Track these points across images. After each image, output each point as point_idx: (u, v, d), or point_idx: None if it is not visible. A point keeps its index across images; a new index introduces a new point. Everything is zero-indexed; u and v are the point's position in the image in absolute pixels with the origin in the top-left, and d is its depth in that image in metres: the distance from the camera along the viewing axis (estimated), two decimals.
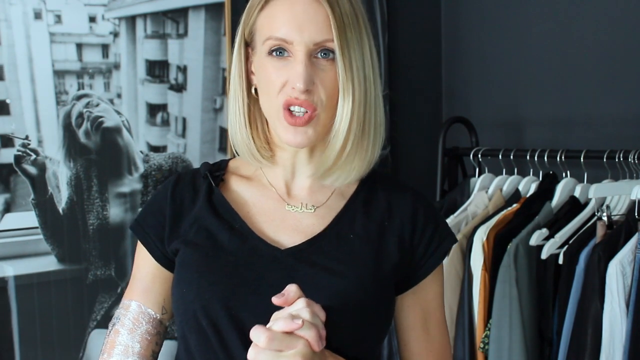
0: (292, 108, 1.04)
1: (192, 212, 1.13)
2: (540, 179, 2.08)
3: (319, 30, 1.03)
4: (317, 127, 1.06)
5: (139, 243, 1.17)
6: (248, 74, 1.12)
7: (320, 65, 1.04)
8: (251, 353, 0.94)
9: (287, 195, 1.14)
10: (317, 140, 1.08)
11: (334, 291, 1.04)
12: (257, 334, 0.93)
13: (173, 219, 1.13)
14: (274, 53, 1.05)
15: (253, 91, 1.11)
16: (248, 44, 1.11)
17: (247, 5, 1.11)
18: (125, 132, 2.04)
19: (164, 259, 1.14)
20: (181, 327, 1.10)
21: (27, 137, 1.89)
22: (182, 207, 1.14)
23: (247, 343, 1.03)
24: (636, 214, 1.77)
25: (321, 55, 1.04)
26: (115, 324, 1.14)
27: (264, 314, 1.03)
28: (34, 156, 1.90)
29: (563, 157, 2.00)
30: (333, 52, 1.04)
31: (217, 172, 1.17)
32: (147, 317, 1.13)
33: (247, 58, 1.12)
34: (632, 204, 1.79)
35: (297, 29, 1.03)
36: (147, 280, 1.15)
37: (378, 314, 1.08)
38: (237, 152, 1.14)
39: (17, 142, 1.89)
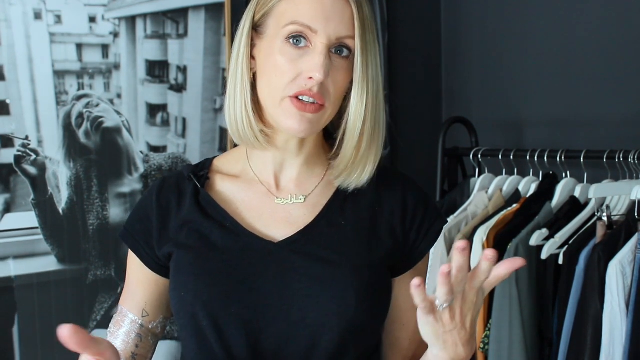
0: (301, 97, 1.04)
1: (179, 215, 1.13)
2: (540, 179, 2.08)
3: (344, 26, 1.04)
4: (321, 120, 1.06)
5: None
6: (249, 57, 1.11)
7: (334, 61, 1.05)
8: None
9: (276, 188, 1.14)
10: (315, 133, 1.09)
11: (330, 281, 1.05)
12: None
13: (160, 224, 1.13)
14: (292, 40, 1.04)
15: (251, 75, 1.11)
16: (254, 28, 1.10)
17: None
18: (125, 132, 2.04)
19: (156, 265, 1.14)
20: (181, 330, 1.11)
21: (27, 137, 1.89)
22: (169, 211, 1.14)
23: (249, 341, 1.04)
24: (636, 214, 1.77)
25: (336, 51, 1.05)
26: (109, 327, 1.17)
27: (264, 311, 1.03)
28: (34, 156, 1.90)
29: (563, 158, 2.00)
30: (349, 50, 1.05)
31: (201, 173, 1.16)
32: (126, 320, 1.15)
33: (252, 41, 1.11)
34: (632, 204, 1.79)
35: (324, 20, 1.03)
36: (132, 284, 1.16)
37: (375, 298, 1.08)
38: (234, 134, 1.12)
39: (17, 142, 1.88)
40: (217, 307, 1.04)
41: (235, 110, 1.11)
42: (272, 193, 1.13)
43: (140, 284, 1.16)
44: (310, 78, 1.03)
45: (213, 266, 1.07)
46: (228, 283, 1.06)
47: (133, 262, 1.16)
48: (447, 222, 1.20)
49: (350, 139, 1.08)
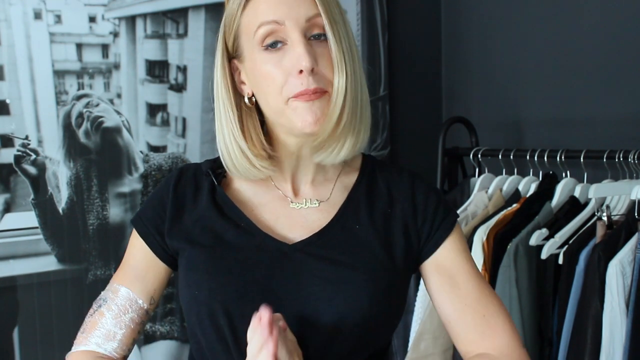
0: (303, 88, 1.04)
1: (194, 209, 1.13)
2: (540, 179, 2.08)
3: (308, 7, 1.04)
4: (329, 105, 1.05)
5: (134, 231, 1.17)
6: (235, 86, 1.11)
7: (317, 48, 1.04)
8: None
9: (292, 193, 1.14)
10: (328, 124, 1.07)
11: (344, 283, 1.05)
12: None
13: (174, 213, 1.13)
14: (268, 47, 1.04)
15: (247, 101, 1.11)
16: (231, 57, 1.11)
17: (224, 17, 1.10)
18: (125, 132, 2.04)
19: (163, 253, 1.14)
20: (192, 328, 1.10)
21: (27, 137, 1.89)
22: (184, 202, 1.14)
23: None
24: (636, 214, 1.77)
25: (313, 37, 1.04)
26: (101, 305, 1.14)
27: (278, 311, 1.03)
28: (34, 156, 1.90)
29: (563, 157, 2.00)
30: (324, 33, 1.04)
31: (219, 170, 1.16)
32: (134, 306, 1.13)
33: (232, 71, 1.11)
34: (632, 204, 1.79)
35: (287, 8, 1.03)
36: (140, 268, 1.15)
37: (389, 301, 1.09)
38: (231, 169, 1.12)
39: (17, 142, 1.89)
40: (233, 306, 1.05)
41: (227, 143, 1.10)
42: (287, 197, 1.14)
43: (150, 270, 1.15)
44: (300, 72, 1.02)
45: (227, 265, 1.07)
46: (243, 283, 1.06)
47: (140, 245, 1.15)
48: (458, 216, 1.18)
49: (332, 113, 1.05)
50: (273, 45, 1.04)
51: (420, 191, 1.15)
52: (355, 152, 1.11)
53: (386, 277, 1.08)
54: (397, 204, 1.14)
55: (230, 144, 1.10)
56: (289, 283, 1.05)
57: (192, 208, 1.13)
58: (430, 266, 1.14)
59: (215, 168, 1.16)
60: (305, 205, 1.13)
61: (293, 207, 1.13)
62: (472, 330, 1.11)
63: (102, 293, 1.16)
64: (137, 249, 1.16)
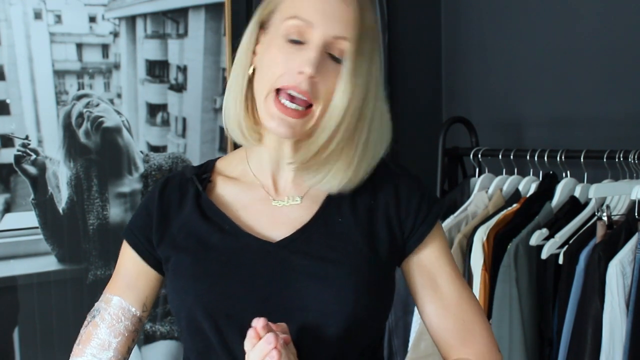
0: (289, 92, 1.04)
1: (179, 215, 1.13)
2: (540, 179, 2.08)
3: (342, 27, 1.05)
4: (308, 122, 1.06)
5: (124, 242, 1.18)
6: (250, 54, 1.12)
7: (329, 64, 1.05)
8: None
9: (274, 190, 1.14)
10: (303, 135, 1.07)
11: (329, 279, 1.05)
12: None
13: (160, 220, 1.14)
14: (290, 40, 1.05)
15: (250, 71, 1.11)
16: (261, 26, 1.12)
17: None
18: (125, 132, 2.04)
19: (154, 260, 1.15)
20: (182, 331, 1.11)
21: (27, 137, 1.89)
22: (169, 209, 1.14)
23: None
24: (636, 214, 1.77)
25: (330, 56, 1.05)
26: (95, 316, 1.15)
27: (263, 311, 1.03)
28: (34, 156, 1.90)
29: (563, 157, 2.00)
30: (341, 59, 1.05)
31: (203, 175, 1.17)
32: (127, 314, 1.14)
33: (257, 38, 1.12)
34: (632, 204, 1.79)
35: (324, 16, 1.04)
36: (131, 276, 1.15)
37: (376, 294, 1.09)
38: (226, 130, 1.14)
39: (17, 142, 1.88)
40: (218, 308, 1.05)
41: (229, 104, 1.12)
42: (269, 195, 1.14)
43: (141, 277, 1.15)
44: (300, 73, 1.03)
45: (212, 268, 1.08)
46: (228, 284, 1.06)
47: (130, 253, 1.16)
48: (444, 208, 1.17)
49: (321, 133, 1.06)
50: (294, 41, 1.05)
51: (403, 185, 1.14)
52: (346, 183, 1.10)
53: (371, 270, 1.08)
54: (380, 197, 1.13)
55: (232, 105, 1.11)
56: (274, 281, 1.05)
57: (177, 215, 1.14)
58: (412, 265, 1.14)
59: (200, 174, 1.17)
60: (287, 202, 1.13)
61: (275, 205, 1.13)
62: (453, 336, 1.13)
63: (96, 304, 1.17)
64: (128, 258, 1.17)
